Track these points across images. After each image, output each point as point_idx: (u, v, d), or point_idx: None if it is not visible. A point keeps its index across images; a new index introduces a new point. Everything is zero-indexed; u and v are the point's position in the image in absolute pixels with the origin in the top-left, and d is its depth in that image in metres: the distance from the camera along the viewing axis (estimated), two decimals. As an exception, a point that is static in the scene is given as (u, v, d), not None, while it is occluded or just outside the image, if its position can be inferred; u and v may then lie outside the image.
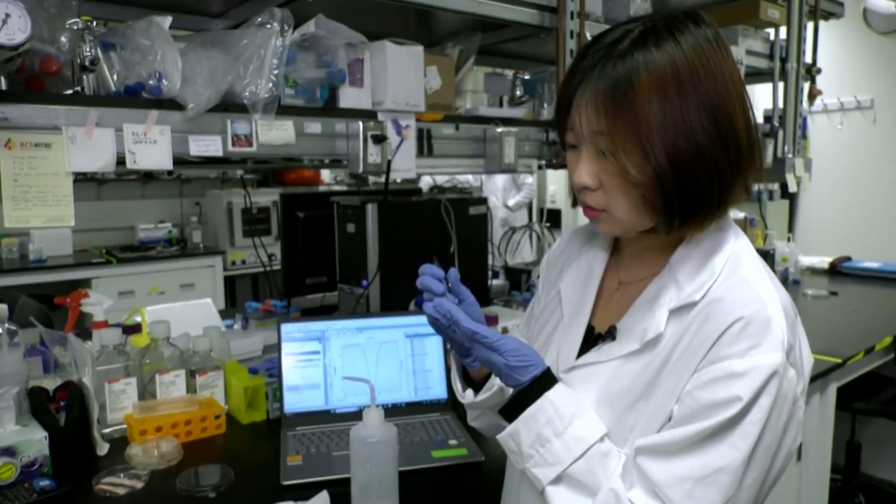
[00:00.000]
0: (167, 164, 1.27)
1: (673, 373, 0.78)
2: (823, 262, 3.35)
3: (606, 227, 0.84)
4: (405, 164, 1.61)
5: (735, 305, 0.75)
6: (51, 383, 1.35)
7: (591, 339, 0.90)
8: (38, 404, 1.25)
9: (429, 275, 0.87)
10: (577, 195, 0.84)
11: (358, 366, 1.43)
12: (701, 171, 0.76)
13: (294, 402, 1.40)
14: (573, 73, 0.80)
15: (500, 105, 2.30)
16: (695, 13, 0.79)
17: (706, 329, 0.76)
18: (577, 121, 0.79)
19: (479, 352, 0.83)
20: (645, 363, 0.81)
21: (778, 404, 0.74)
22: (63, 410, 1.28)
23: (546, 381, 0.82)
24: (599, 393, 0.83)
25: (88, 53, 1.22)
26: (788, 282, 2.99)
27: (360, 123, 1.52)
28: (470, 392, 0.96)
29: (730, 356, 0.73)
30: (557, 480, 0.78)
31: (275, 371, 1.52)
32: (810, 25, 2.81)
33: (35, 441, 1.18)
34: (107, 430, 1.35)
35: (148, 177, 4.41)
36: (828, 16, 2.97)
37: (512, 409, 0.83)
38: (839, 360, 1.91)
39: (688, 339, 0.78)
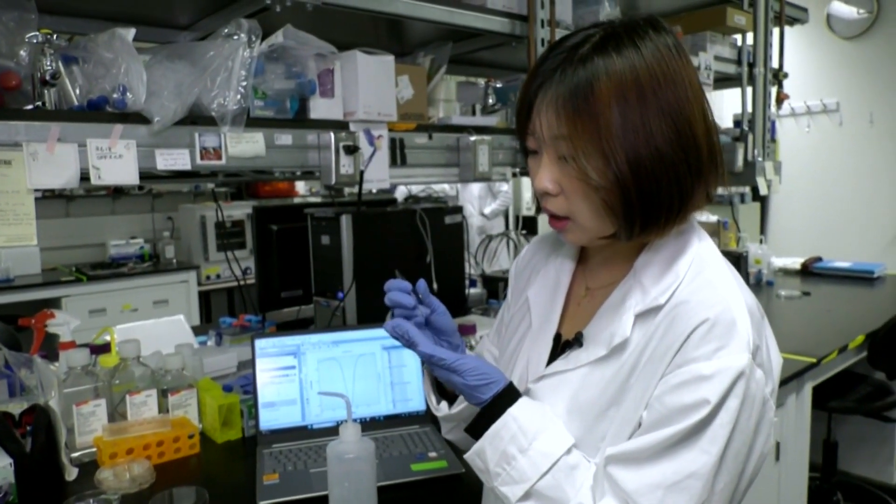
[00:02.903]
0: (133, 179, 1.24)
1: (641, 378, 0.77)
2: (795, 262, 3.41)
3: (572, 235, 0.84)
4: (378, 175, 1.60)
5: (700, 307, 0.75)
6: (16, 408, 1.30)
7: (560, 347, 0.89)
8: (2, 430, 1.21)
9: (396, 290, 0.86)
10: (539, 201, 0.84)
11: (335, 380, 1.41)
12: (661, 177, 0.76)
13: (270, 418, 1.37)
14: (534, 77, 0.80)
15: (473, 114, 2.30)
16: (654, 20, 0.79)
17: (672, 332, 0.76)
18: (538, 125, 0.79)
19: (438, 373, 0.83)
20: (614, 370, 0.80)
21: (746, 406, 0.73)
22: (29, 435, 1.24)
23: (508, 396, 0.81)
24: (569, 402, 0.83)
25: (49, 67, 1.19)
26: (762, 283, 3.03)
27: (332, 134, 1.50)
28: (444, 404, 0.95)
29: (696, 359, 0.73)
30: (526, 497, 0.77)
31: (250, 388, 1.49)
32: (776, 31, 2.87)
33: (0, 468, 1.14)
34: (76, 455, 1.31)
35: (118, 192, 4.34)
36: (793, 21, 3.03)
37: (476, 427, 0.82)
38: (814, 360, 1.93)
39: (655, 343, 0.77)
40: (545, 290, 0.95)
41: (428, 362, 0.83)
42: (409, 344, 0.83)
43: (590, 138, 0.75)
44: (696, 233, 0.85)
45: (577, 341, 0.85)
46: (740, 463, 0.75)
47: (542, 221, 5.99)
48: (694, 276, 0.79)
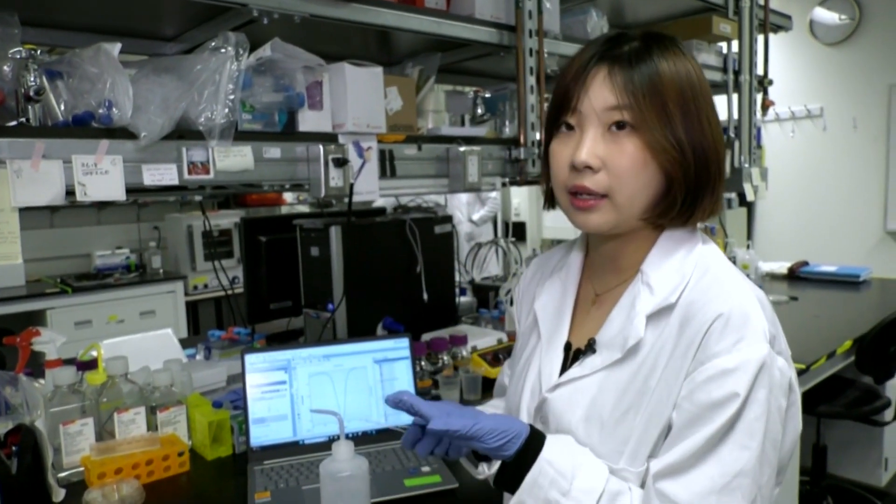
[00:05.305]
0: (120, 196, 1.23)
1: (664, 380, 0.78)
2: (782, 267, 3.43)
3: (599, 216, 0.83)
4: (368, 187, 1.59)
5: (712, 304, 0.77)
6: (1, 427, 1.28)
7: (572, 356, 0.89)
8: (-13, 451, 1.19)
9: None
10: (569, 184, 0.83)
11: (326, 394, 1.39)
12: (711, 165, 0.82)
13: (261, 434, 1.36)
14: (589, 57, 0.82)
15: (462, 124, 2.30)
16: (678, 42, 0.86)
17: (688, 331, 0.77)
18: (589, 97, 0.81)
19: (457, 444, 0.83)
20: (631, 373, 0.81)
21: (774, 394, 0.75)
22: (15, 456, 1.21)
23: (534, 443, 0.81)
24: (587, 408, 0.83)
25: (33, 83, 1.17)
26: (750, 288, 3.04)
27: (321, 147, 1.49)
28: (483, 466, 0.94)
29: (718, 353, 0.75)
30: None
31: (240, 403, 1.47)
32: (761, 39, 2.89)
33: (-16, 491, 1.11)
34: (63, 475, 1.29)
35: (103, 202, 4.28)
36: (777, 29, 3.06)
37: (506, 479, 0.82)
38: (803, 367, 1.94)
39: (671, 343, 0.78)
40: (553, 302, 0.95)
41: (444, 437, 0.82)
42: (416, 414, 0.82)
43: (655, 110, 0.79)
44: (701, 236, 0.88)
45: (590, 348, 0.86)
46: (777, 452, 0.77)
47: (531, 228, 6.00)
48: (700, 275, 0.82)
